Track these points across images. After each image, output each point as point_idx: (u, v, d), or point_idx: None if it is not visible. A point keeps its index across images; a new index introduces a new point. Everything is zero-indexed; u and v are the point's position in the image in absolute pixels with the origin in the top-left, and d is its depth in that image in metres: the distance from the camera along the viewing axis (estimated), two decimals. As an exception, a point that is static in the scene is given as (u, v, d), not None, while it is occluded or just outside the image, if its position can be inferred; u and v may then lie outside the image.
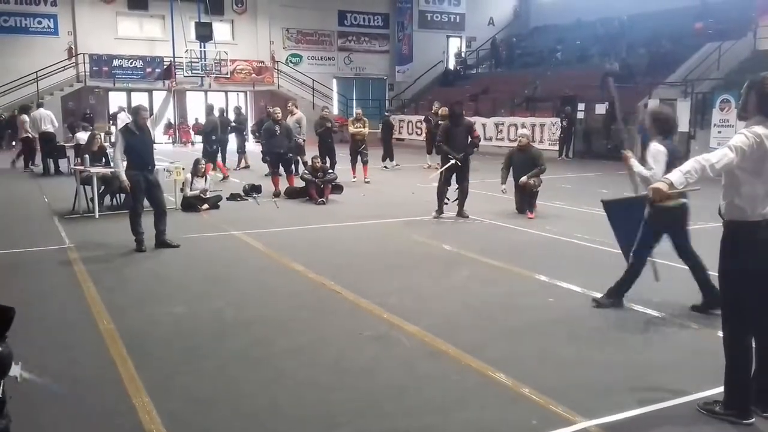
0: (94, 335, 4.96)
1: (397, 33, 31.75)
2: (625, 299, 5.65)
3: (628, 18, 25.85)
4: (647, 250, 5.40)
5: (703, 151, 18.89)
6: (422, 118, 18.70)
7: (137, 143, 7.76)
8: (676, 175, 3.45)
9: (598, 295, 5.79)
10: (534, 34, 32.07)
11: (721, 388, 3.67)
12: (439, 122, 15.00)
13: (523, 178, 10.08)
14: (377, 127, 18.75)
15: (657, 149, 5.26)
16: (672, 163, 4.92)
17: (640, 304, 5.62)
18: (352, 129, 15.13)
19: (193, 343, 4.82)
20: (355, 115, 15.87)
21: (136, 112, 8.04)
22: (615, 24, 26.19)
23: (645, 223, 5.14)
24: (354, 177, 14.51)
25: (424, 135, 18.22)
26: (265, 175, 13.61)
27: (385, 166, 17.51)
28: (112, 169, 8.58)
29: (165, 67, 26.09)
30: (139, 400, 3.84)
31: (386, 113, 20.13)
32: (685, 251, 5.55)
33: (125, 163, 7.81)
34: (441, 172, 10.01)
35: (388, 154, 17.77)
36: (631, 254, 5.43)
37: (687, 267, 5.59)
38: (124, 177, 7.74)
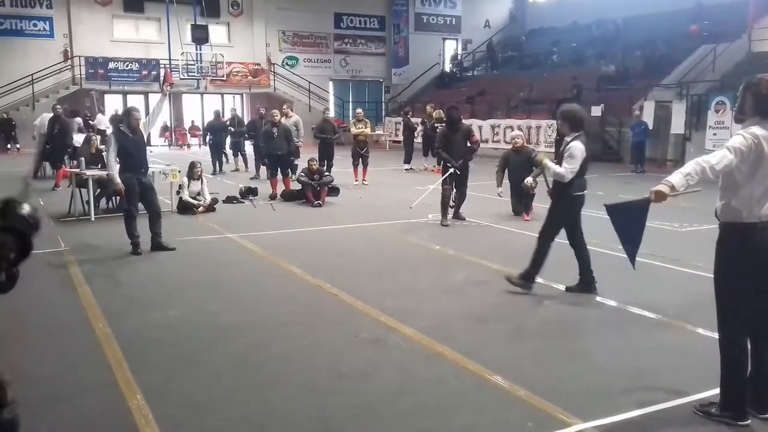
0: (89, 339, 4.94)
1: (393, 35, 31.76)
2: (620, 302, 5.69)
3: (623, 21, 25.90)
4: (553, 239, 6.04)
5: (698, 153, 18.89)
6: (419, 120, 18.77)
7: (130, 145, 7.71)
8: (676, 178, 3.47)
9: (596, 298, 5.86)
10: (530, 36, 32.12)
11: (718, 390, 3.68)
12: (436, 125, 15.04)
13: (528, 179, 9.95)
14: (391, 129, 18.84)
15: (576, 146, 5.91)
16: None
17: (636, 306, 5.64)
18: (354, 130, 14.92)
19: (189, 346, 4.81)
20: (356, 116, 15.61)
21: (128, 113, 7.96)
22: (610, 26, 26.24)
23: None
24: (356, 180, 14.47)
25: (420, 137, 18.30)
26: (266, 178, 13.65)
27: (411, 168, 17.57)
28: (106, 172, 8.54)
29: (162, 70, 26.06)
30: (135, 403, 3.83)
31: (406, 113, 20.12)
32: (578, 238, 6.12)
33: (119, 166, 7.77)
34: (442, 182, 9.81)
35: (409, 156, 17.90)
36: (538, 241, 6.03)
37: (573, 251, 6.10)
38: (117, 180, 7.69)
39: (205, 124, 17.83)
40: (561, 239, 6.25)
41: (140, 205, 7.92)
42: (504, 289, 6.32)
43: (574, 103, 7.19)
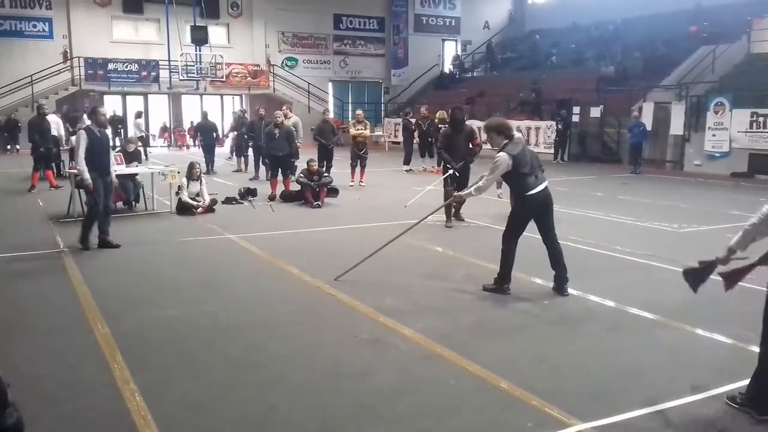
0: (88, 339, 4.94)
1: (392, 36, 31.79)
2: (619, 302, 5.70)
3: (623, 21, 25.94)
4: (516, 239, 6.05)
5: (697, 153, 18.69)
6: (413, 121, 18.76)
7: (98, 144, 7.92)
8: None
9: (594, 298, 5.87)
10: (529, 37, 32.14)
11: (715, 391, 3.71)
12: (439, 125, 15.02)
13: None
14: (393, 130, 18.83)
15: (499, 157, 5.87)
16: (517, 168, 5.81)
17: (635, 306, 5.64)
18: (353, 131, 14.83)
19: (188, 346, 4.81)
20: (356, 117, 15.46)
21: (94, 111, 8.22)
22: (610, 27, 26.28)
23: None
24: (352, 182, 14.46)
25: (417, 138, 18.30)
26: (266, 179, 13.65)
27: (411, 169, 17.58)
28: (75, 169, 8.65)
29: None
30: (133, 404, 3.83)
31: (405, 114, 20.18)
32: (547, 237, 6.06)
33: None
34: (444, 182, 9.85)
35: (409, 157, 17.92)
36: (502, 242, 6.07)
37: (547, 250, 6.04)
38: (87, 176, 7.84)
39: (195, 126, 17.93)
40: (562, 242, 6.25)
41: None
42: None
43: (493, 116, 7.30)
